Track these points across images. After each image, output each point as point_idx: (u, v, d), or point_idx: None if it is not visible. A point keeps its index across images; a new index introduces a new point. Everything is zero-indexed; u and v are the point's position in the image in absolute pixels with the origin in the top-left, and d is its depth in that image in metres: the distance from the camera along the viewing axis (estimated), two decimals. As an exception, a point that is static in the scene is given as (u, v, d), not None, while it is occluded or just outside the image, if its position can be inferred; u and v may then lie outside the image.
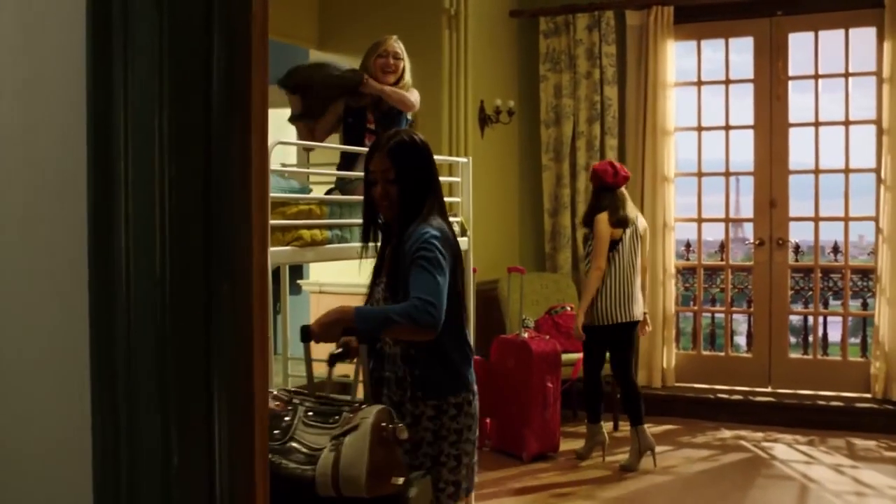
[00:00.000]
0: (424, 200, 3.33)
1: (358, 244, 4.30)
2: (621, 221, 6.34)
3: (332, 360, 3.31)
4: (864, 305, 8.17)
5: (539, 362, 6.57)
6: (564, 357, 6.88)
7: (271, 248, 3.81)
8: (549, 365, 6.62)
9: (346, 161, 5.25)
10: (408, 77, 5.41)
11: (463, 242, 5.51)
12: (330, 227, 4.30)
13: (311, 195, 4.38)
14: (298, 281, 8.03)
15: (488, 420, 6.79)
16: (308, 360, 3.27)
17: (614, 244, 6.34)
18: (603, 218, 6.32)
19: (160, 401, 1.37)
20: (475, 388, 3.42)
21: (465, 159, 5.63)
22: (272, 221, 3.85)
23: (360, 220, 4.41)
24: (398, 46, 5.40)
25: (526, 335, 6.76)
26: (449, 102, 7.39)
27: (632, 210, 6.50)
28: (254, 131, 1.53)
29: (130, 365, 1.37)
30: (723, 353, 8.29)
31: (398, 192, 3.28)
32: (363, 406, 2.92)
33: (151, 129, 1.37)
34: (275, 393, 3.07)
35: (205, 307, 1.42)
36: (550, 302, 7.75)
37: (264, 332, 1.58)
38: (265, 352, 1.57)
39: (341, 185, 5.23)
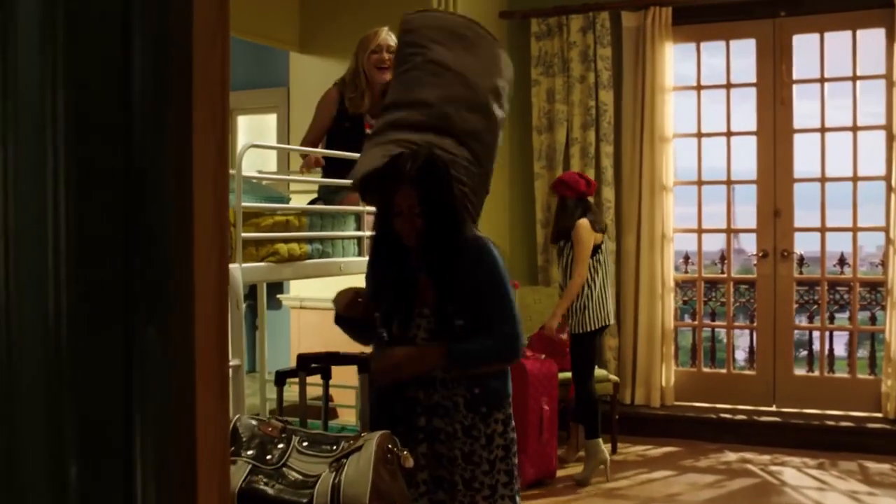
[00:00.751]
0: (451, 218, 3.09)
1: (341, 259, 3.93)
2: (602, 227, 6.41)
3: (281, 379, 3.07)
4: (872, 319, 7.80)
5: (535, 384, 6.16)
6: (560, 376, 6.49)
7: (243, 265, 3.40)
8: (545, 386, 6.22)
9: (334, 168, 4.84)
10: None
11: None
12: (310, 240, 3.88)
13: (290, 205, 3.96)
14: (278, 295, 7.62)
15: (480, 444, 6.37)
16: (301, 386, 2.96)
17: (596, 249, 6.29)
18: (585, 224, 6.22)
19: (50, 504, 0.95)
20: None
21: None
22: (244, 234, 3.43)
23: (344, 233, 4.03)
24: (391, 38, 5.01)
25: (520, 354, 6.35)
26: None
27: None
28: (202, 121, 1.12)
29: (11, 455, 0.96)
30: (724, 371, 7.90)
31: (425, 223, 3.03)
32: (363, 434, 2.73)
33: (41, 111, 0.96)
34: (267, 419, 2.76)
35: (123, 362, 1.00)
36: (543, 317, 7.29)
37: (223, 384, 1.17)
38: (223, 417, 1.15)
39: (325, 195, 4.84)
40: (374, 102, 4.96)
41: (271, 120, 8.55)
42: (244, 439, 2.63)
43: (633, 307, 7.58)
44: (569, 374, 6.63)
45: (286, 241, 3.71)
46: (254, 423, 2.76)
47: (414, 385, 3.10)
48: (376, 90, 4.96)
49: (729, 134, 7.72)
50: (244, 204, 3.43)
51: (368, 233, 4.28)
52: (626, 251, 7.62)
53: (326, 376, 3.41)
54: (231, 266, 3.30)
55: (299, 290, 7.32)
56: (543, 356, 6.41)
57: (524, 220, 8.09)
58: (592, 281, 6.27)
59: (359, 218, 4.24)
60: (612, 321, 6.55)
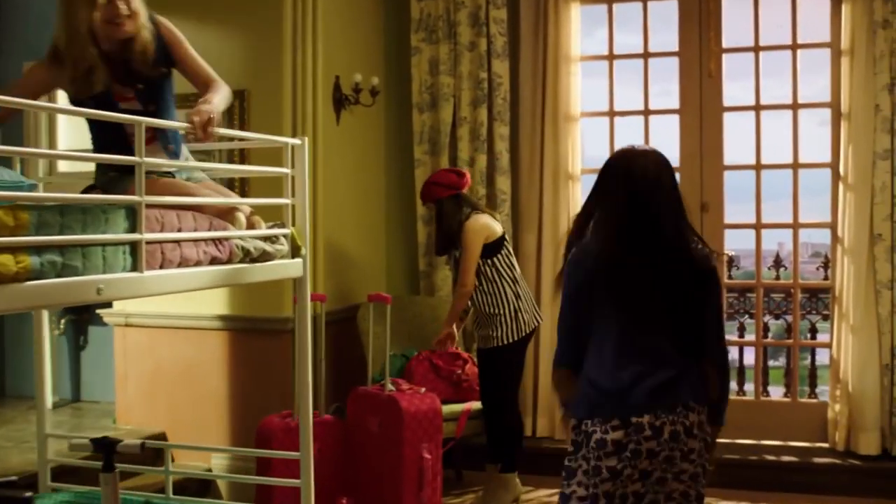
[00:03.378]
0: None
1: (101, 276, 2.53)
2: (495, 219, 5.61)
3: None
4: (813, 333, 6.71)
5: (412, 425, 4.89)
6: (448, 410, 5.40)
7: None
8: (426, 429, 4.93)
9: (107, 139, 3.37)
10: (143, 16, 3.40)
11: (294, 265, 3.74)
12: (39, 249, 2.43)
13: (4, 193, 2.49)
14: (98, 311, 6.22)
15: (344, 500, 5.08)
16: None
17: (499, 246, 5.48)
18: (472, 227, 5.40)
19: None
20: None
21: (297, 140, 3.81)
22: None
23: (105, 237, 2.63)
24: None
25: (394, 387, 5.05)
26: (293, 77, 5.79)
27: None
28: None
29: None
30: (642, 394, 6.70)
31: None
32: None
33: None
34: None
35: None
36: (427, 335, 6.06)
37: None
38: None
39: (104, 182, 3.41)
40: (116, 66, 3.41)
41: None
42: None
43: (533, 320, 6.38)
44: (457, 407, 5.60)
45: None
46: None
47: None
48: (114, 50, 3.38)
49: (647, 112, 6.63)
50: None
51: (150, 236, 2.86)
52: (525, 253, 6.50)
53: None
54: None
55: (124, 303, 5.94)
56: (423, 389, 5.10)
57: (403, 215, 6.87)
58: (510, 280, 5.48)
59: (134, 212, 2.80)
60: (541, 320, 5.74)
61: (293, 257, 3.71)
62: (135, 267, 2.79)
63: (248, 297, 5.70)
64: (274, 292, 5.57)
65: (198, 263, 3.10)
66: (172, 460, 4.49)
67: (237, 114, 5.75)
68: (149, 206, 2.86)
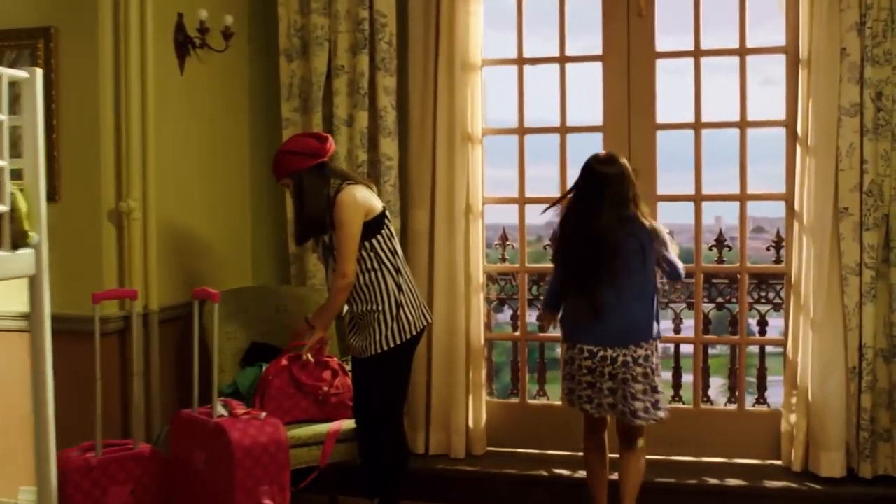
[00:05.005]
0: None
1: None
2: (374, 191, 4.65)
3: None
4: (762, 327, 5.74)
5: (247, 463, 3.78)
6: (311, 431, 4.42)
7: None
8: (265, 468, 3.83)
9: None
10: None
11: (19, 259, 2.54)
12: None
13: None
14: None
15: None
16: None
17: (379, 226, 4.46)
18: (347, 200, 4.35)
19: None
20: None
21: (22, 73, 2.60)
22: None
23: None
24: None
25: (225, 410, 3.89)
26: (114, 11, 4.65)
27: None
28: None
29: None
30: (559, 402, 5.61)
31: None
32: None
33: None
34: None
35: None
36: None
37: None
38: None
39: None
40: None
41: None
42: None
43: (424, 313, 5.40)
44: (322, 429, 4.53)
45: None
46: None
47: None
48: None
49: (563, 59, 5.59)
50: None
51: None
52: (414, 231, 5.48)
53: None
54: None
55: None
56: (264, 414, 3.94)
57: (268, 188, 5.75)
58: (392, 269, 4.47)
59: None
60: (431, 319, 4.83)
61: (15, 248, 2.51)
62: None
63: (60, 289, 4.56)
64: (92, 284, 4.51)
65: None
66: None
67: (42, 58, 4.56)
68: None
